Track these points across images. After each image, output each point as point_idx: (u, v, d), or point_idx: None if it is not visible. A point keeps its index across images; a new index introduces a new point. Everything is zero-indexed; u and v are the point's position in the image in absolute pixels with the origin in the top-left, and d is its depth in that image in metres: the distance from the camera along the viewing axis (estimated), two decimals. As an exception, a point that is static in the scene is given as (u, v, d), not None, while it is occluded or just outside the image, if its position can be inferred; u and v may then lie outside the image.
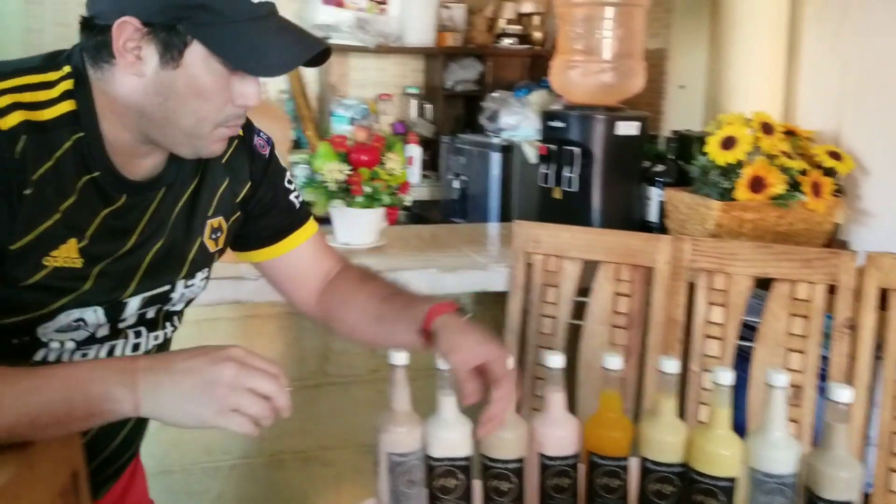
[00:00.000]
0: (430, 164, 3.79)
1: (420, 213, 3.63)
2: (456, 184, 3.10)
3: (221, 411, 0.87)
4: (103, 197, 0.96)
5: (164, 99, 0.92)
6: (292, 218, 1.20)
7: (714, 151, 1.89)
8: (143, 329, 1.07)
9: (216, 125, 0.95)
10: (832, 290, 1.53)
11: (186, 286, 1.10)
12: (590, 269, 1.73)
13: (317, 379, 1.89)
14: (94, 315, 0.99)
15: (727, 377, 1.00)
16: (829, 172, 1.95)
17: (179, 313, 1.15)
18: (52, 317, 0.95)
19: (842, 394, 0.95)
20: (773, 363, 1.56)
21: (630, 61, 2.09)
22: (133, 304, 1.03)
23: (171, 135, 0.95)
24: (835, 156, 1.96)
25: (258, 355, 0.92)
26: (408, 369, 1.07)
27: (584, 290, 1.75)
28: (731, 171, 1.89)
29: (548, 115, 2.12)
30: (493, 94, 3.25)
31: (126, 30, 0.88)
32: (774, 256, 1.58)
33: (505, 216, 2.77)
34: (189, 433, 1.78)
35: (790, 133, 2.02)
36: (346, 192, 1.80)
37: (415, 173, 3.61)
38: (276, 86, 3.64)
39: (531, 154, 2.77)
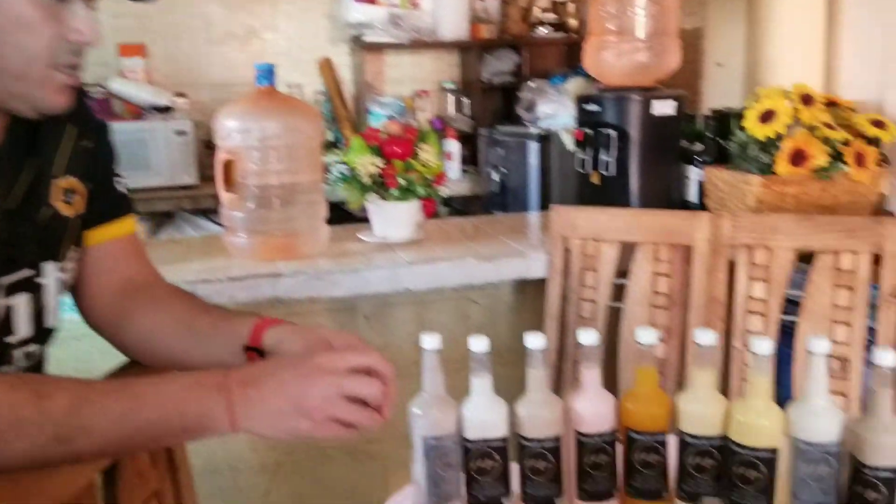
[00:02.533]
0: (470, 159, 3.79)
1: (461, 209, 3.64)
2: (495, 176, 3.10)
3: (318, 425, 0.85)
4: None
5: None
6: (114, 206, 1.08)
7: (752, 126, 1.85)
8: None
9: (48, 65, 0.85)
10: (877, 259, 1.49)
11: (62, 269, 0.99)
12: (628, 251, 1.71)
13: (360, 372, 1.91)
14: None
15: (765, 346, 0.97)
16: (873, 142, 1.90)
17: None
18: None
19: (886, 357, 0.92)
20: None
21: (664, 39, 2.06)
22: None
23: (1, 84, 0.85)
24: (878, 124, 1.90)
25: (354, 350, 0.88)
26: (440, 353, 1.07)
27: (623, 273, 1.73)
28: (770, 145, 1.85)
29: (583, 99, 2.10)
30: (530, 84, 3.24)
31: None
32: (816, 228, 1.54)
33: (545, 206, 2.76)
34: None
35: (831, 104, 1.97)
36: (380, 185, 1.81)
37: (454, 168, 3.62)
38: (312, 87, 3.69)
39: (569, 141, 2.76)
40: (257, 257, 1.73)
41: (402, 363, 1.93)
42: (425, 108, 3.90)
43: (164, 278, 1.14)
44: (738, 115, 2.00)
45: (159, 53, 3.67)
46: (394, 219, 1.88)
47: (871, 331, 1.51)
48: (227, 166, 1.70)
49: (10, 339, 0.93)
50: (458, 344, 2.05)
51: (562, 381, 1.75)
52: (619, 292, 1.73)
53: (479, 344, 1.05)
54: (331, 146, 3.48)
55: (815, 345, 0.96)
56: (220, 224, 1.81)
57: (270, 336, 1.00)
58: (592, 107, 2.07)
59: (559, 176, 2.76)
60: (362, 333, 1.89)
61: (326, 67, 3.63)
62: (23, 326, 0.95)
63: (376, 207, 1.87)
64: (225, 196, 1.71)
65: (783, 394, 1.57)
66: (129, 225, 1.10)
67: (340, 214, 2.99)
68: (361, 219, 2.10)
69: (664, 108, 2.02)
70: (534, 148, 2.79)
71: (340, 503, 1.94)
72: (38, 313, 0.96)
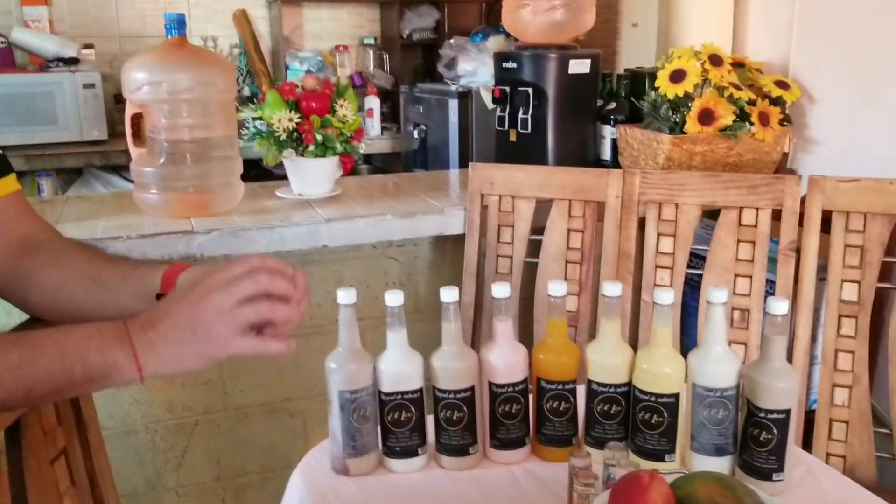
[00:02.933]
0: (391, 116, 3.76)
1: (382, 167, 3.62)
2: (416, 134, 3.09)
3: (223, 344, 0.82)
4: None
5: None
6: None
7: (664, 85, 1.90)
8: None
9: None
10: (777, 215, 1.56)
11: None
12: (545, 208, 1.74)
13: (279, 330, 1.90)
14: None
15: (667, 297, 1.02)
16: (777, 102, 1.97)
17: None
18: None
19: (778, 306, 0.98)
20: (723, 290, 1.59)
21: (579, -2, 2.08)
22: None
23: None
24: (782, 85, 1.98)
25: (242, 261, 0.84)
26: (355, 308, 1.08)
27: (540, 230, 1.76)
28: (680, 104, 1.91)
29: (500, 57, 2.11)
30: (451, 42, 3.22)
31: None
32: (722, 184, 1.60)
33: (465, 164, 2.77)
34: (147, 391, 1.79)
35: (739, 64, 2.03)
36: (297, 141, 1.79)
37: (375, 125, 3.59)
38: (227, 41, 3.58)
39: (488, 99, 2.77)
40: (170, 214, 1.69)
41: (322, 321, 1.94)
42: (345, 64, 3.84)
43: (61, 234, 1.09)
44: (651, 75, 2.04)
45: (64, 2, 3.49)
46: (311, 175, 1.87)
47: (770, 283, 1.58)
48: (137, 120, 1.65)
49: None
50: (378, 301, 2.06)
51: (479, 335, 1.78)
52: (535, 248, 1.77)
53: (393, 298, 1.06)
54: (247, 101, 3.41)
55: (713, 295, 1.00)
56: (131, 181, 1.76)
57: (182, 280, 0.98)
58: (510, 64, 2.08)
59: (479, 133, 2.77)
60: (280, 291, 1.87)
61: (242, 20, 3.53)
62: None
63: (293, 164, 1.85)
64: (135, 151, 1.66)
65: (691, 344, 1.64)
66: (10, 183, 1.05)
67: (259, 172, 2.95)
68: (280, 177, 2.07)
69: (580, 66, 2.04)
70: (454, 105, 2.79)
71: (260, 460, 1.95)
72: None
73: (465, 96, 2.79)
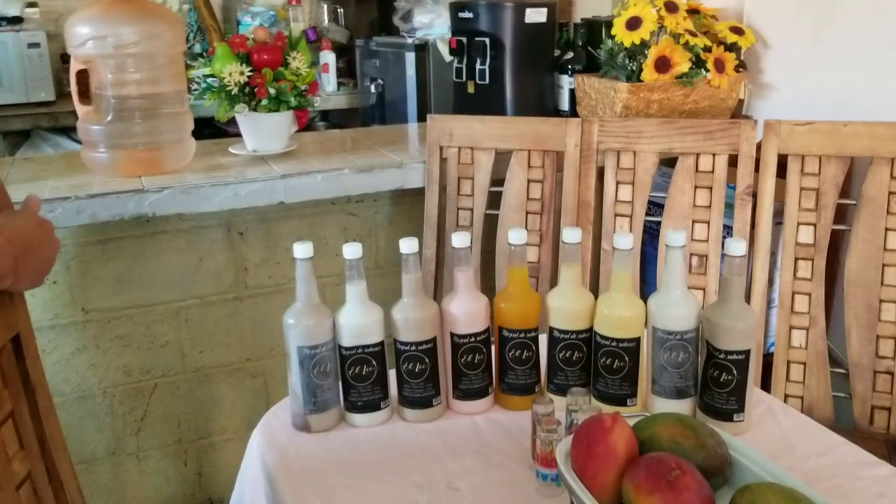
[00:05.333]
0: (347, 72, 3.69)
1: (339, 122, 3.56)
2: (373, 88, 3.03)
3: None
4: None
5: None
6: None
7: (620, 33, 1.88)
8: None
9: None
10: (734, 161, 1.57)
11: None
12: (504, 159, 1.73)
13: (236, 291, 1.86)
14: None
15: (626, 241, 1.01)
16: (732, 48, 1.97)
17: None
18: None
19: (736, 247, 0.98)
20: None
21: (535, -55, 2.05)
22: None
23: None
24: (737, 31, 1.97)
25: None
26: (313, 262, 1.06)
27: (499, 181, 1.75)
28: (637, 52, 1.89)
29: (457, 7, 2.07)
30: (405, -7, 3.15)
31: None
32: (679, 131, 1.60)
33: (423, 118, 2.73)
34: (104, 356, 1.75)
35: (694, 11, 2.02)
36: (249, 95, 1.74)
37: (331, 81, 3.52)
38: (176, -5, 3.46)
39: (445, 52, 2.72)
40: (119, 173, 1.65)
41: (281, 280, 1.92)
42: (298, 19, 3.74)
43: None
44: (608, 24, 2.02)
45: (1, -43, 3.34)
46: (265, 130, 1.82)
47: (728, 229, 1.59)
48: (82, 76, 1.59)
49: None
50: (338, 258, 2.03)
51: (440, 289, 1.78)
52: (495, 200, 1.75)
53: (351, 250, 1.04)
54: (197, 58, 3.31)
55: (671, 238, 1.00)
56: (80, 142, 1.70)
57: None
58: (466, 14, 2.04)
59: (437, 87, 2.72)
60: (239, 250, 1.84)
61: (189, -26, 3.41)
62: None
63: (246, 119, 1.80)
64: (81, 109, 1.61)
65: (650, 291, 1.65)
66: None
67: (213, 131, 2.88)
68: (235, 135, 2.03)
69: (537, 15, 2.02)
70: (410, 59, 2.73)
71: (221, 422, 1.93)
72: None
73: (422, 49, 2.74)
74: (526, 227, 1.68)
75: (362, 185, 1.77)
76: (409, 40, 2.88)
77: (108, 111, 1.59)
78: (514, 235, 1.05)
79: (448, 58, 2.76)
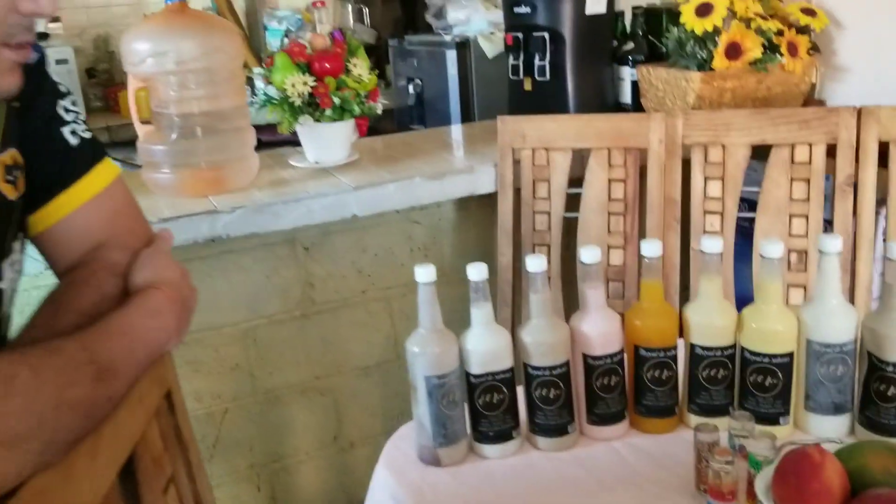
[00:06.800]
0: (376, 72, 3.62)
1: (373, 125, 3.48)
2: (410, 89, 2.96)
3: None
4: None
5: None
6: (62, 169, 0.86)
7: (690, 20, 1.80)
8: None
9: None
10: (830, 150, 1.49)
11: (12, 266, 0.83)
12: (580, 158, 1.66)
13: (303, 308, 1.80)
14: None
15: (777, 249, 0.94)
16: (804, 30, 1.89)
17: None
18: None
19: (900, 250, 0.91)
20: (775, 232, 1.53)
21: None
22: None
23: None
24: (808, 12, 1.89)
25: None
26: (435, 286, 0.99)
27: (575, 181, 1.68)
28: (707, 39, 1.82)
29: (512, 2, 1.99)
30: (437, -10, 3.07)
31: None
32: (771, 121, 1.52)
33: (466, 117, 2.65)
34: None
35: (761, -7, 1.94)
36: (313, 105, 1.67)
37: (360, 83, 3.45)
38: (200, 3, 3.39)
39: (489, 48, 2.64)
40: (184, 193, 1.58)
41: (348, 293, 1.85)
42: (323, 21, 3.66)
43: (126, 243, 0.89)
44: (669, 11, 1.95)
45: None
46: (328, 141, 1.75)
47: (827, 223, 1.52)
48: (141, 95, 1.52)
49: None
50: (404, 268, 1.97)
51: (518, 296, 1.70)
52: (572, 202, 1.68)
53: (476, 272, 0.97)
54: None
55: (827, 244, 0.93)
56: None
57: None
58: (523, 9, 1.96)
59: (480, 84, 2.65)
60: (304, 266, 1.78)
61: (211, -20, 3.34)
62: None
63: (308, 130, 1.73)
64: (141, 129, 1.54)
65: (741, 290, 1.58)
66: (89, 185, 0.87)
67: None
68: (278, 143, 1.96)
69: (596, 6, 1.94)
70: (451, 57, 2.65)
71: (293, 443, 1.87)
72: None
73: (463, 46, 2.66)
74: (608, 230, 1.61)
75: (434, 193, 1.70)
76: (448, 38, 2.81)
77: (170, 130, 1.52)
78: (647, 247, 0.98)
79: (491, 54, 2.69)
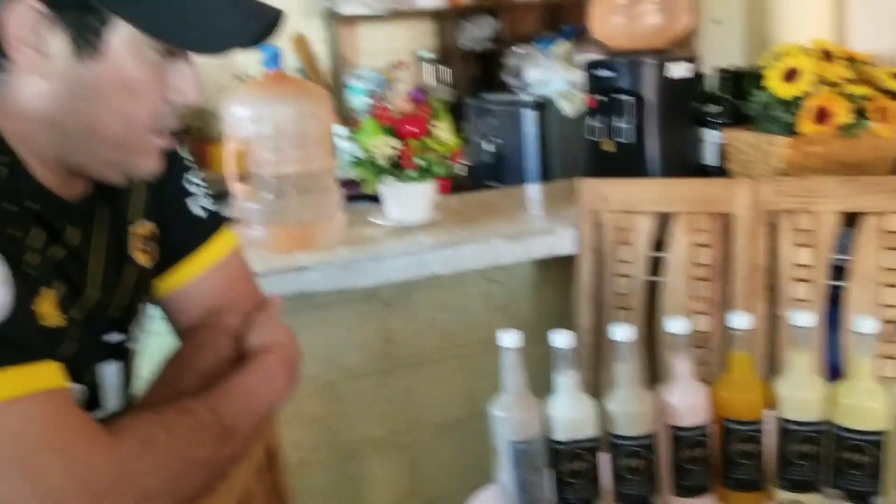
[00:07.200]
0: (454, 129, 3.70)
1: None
2: (488, 147, 3.02)
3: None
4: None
5: (84, 103, 0.72)
6: (187, 238, 0.92)
7: (775, 85, 1.80)
8: None
9: (148, 129, 0.77)
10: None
11: (140, 326, 0.91)
12: (663, 221, 1.65)
13: (382, 363, 1.83)
14: None
15: (868, 325, 0.92)
16: (894, 95, 1.86)
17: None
18: None
19: None
20: (866, 301, 1.49)
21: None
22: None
23: (96, 152, 0.76)
24: (899, 77, 1.86)
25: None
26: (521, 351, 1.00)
27: (657, 245, 1.67)
28: (792, 104, 1.80)
29: (593, 65, 2.02)
30: (516, 50, 3.15)
31: (20, 16, 0.68)
32: (862, 189, 1.50)
33: (545, 175, 2.70)
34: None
35: (849, 58, 1.92)
36: (397, 167, 1.72)
37: (439, 140, 3.53)
38: (287, 65, 3.54)
39: (568, 108, 2.69)
40: (274, 249, 1.64)
41: (427, 350, 1.87)
42: (404, 80, 3.78)
43: (234, 314, 0.94)
44: (754, 74, 1.94)
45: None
46: (410, 201, 1.80)
47: (922, 292, 1.48)
48: (238, 155, 1.59)
49: (97, 415, 0.82)
50: (483, 326, 1.98)
51: (600, 360, 1.69)
52: (654, 266, 1.68)
53: (562, 339, 0.98)
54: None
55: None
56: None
57: None
58: (605, 73, 1.99)
59: (558, 144, 2.69)
60: (384, 321, 1.81)
61: (301, 44, 3.49)
62: (112, 400, 0.85)
63: (391, 190, 1.78)
64: (238, 188, 1.61)
65: (830, 356, 1.54)
66: (210, 254, 0.93)
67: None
68: (357, 197, 2.01)
69: (680, 70, 1.95)
70: (530, 116, 2.71)
71: (369, 498, 1.88)
72: (127, 382, 0.88)
73: (541, 106, 2.71)
74: (693, 295, 1.60)
75: (512, 254, 1.72)
76: (526, 97, 2.86)
77: (265, 190, 1.59)
78: (737, 320, 0.97)
79: (570, 113, 2.73)
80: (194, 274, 0.92)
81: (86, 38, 0.70)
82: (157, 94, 0.76)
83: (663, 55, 1.95)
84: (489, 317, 1.88)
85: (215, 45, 0.75)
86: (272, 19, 0.77)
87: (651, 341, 1.70)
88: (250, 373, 0.83)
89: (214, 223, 0.95)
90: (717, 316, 1.59)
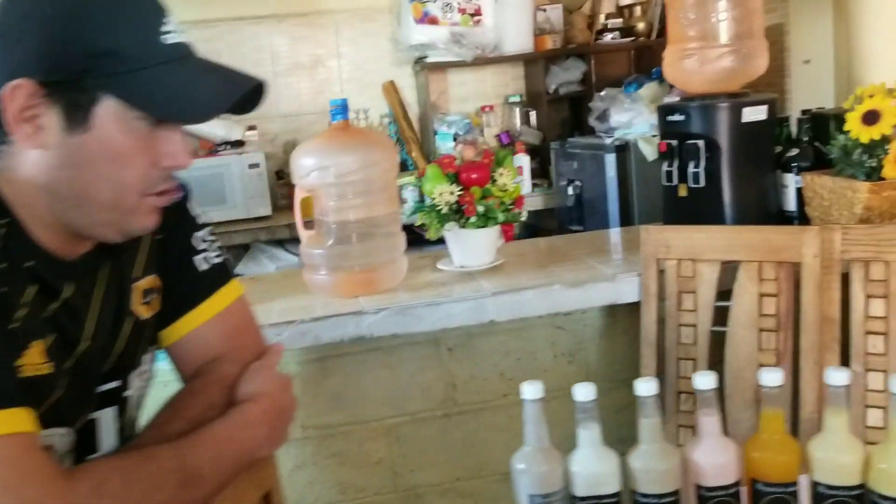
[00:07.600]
0: (540, 172, 3.70)
1: (535, 224, 3.55)
2: (570, 190, 3.01)
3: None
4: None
5: (76, 171, 0.78)
6: (192, 291, 0.97)
7: (855, 128, 1.72)
8: None
9: (142, 194, 0.82)
10: None
11: (141, 376, 0.95)
12: (728, 270, 1.60)
13: (445, 408, 1.84)
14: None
15: (910, 386, 0.87)
16: (984, 138, 1.74)
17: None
18: None
19: None
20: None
21: (750, 42, 1.94)
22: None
23: (90, 214, 0.81)
24: None
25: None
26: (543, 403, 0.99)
27: (722, 294, 1.62)
28: (875, 147, 1.72)
29: (665, 110, 1.99)
30: (601, 93, 3.14)
31: (18, 95, 0.75)
32: (940, 238, 1.41)
33: (625, 219, 2.66)
34: (321, 473, 1.77)
35: (938, 99, 1.82)
36: (458, 213, 1.74)
37: (525, 183, 3.54)
38: (378, 111, 3.65)
39: (649, 151, 2.65)
40: (338, 294, 1.69)
41: (490, 396, 1.87)
42: (491, 124, 3.82)
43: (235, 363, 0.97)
44: (836, 117, 1.86)
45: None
46: (473, 246, 1.81)
47: None
48: (306, 204, 1.66)
49: (93, 457, 0.88)
50: (547, 373, 1.96)
51: (664, 411, 1.64)
52: (719, 315, 1.62)
53: (584, 392, 0.97)
54: (400, 168, 3.44)
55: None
56: (294, 253, 1.78)
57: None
58: (676, 117, 1.96)
59: (640, 187, 2.65)
60: (447, 366, 1.82)
61: (391, 90, 3.60)
62: (106, 441, 0.91)
63: (454, 235, 1.80)
64: (304, 234, 1.67)
65: None
66: (213, 305, 0.98)
67: (410, 238, 2.95)
68: (425, 240, 2.03)
69: (755, 114, 1.90)
70: (611, 160, 2.69)
71: (434, 543, 1.88)
72: (123, 427, 0.94)
73: (623, 149, 2.69)
74: (759, 347, 1.53)
75: (573, 301, 1.71)
76: (608, 140, 2.84)
77: (329, 236, 1.65)
78: (768, 376, 0.93)
79: (652, 158, 2.69)
80: (196, 324, 0.96)
81: (76, 112, 0.76)
82: (145, 161, 0.81)
83: (737, 98, 1.90)
84: (555, 364, 1.86)
85: (197, 114, 0.82)
86: (253, 86, 0.83)
87: (721, 394, 1.64)
88: (226, 421, 0.87)
89: (219, 276, 0.99)
90: (787, 368, 1.51)
